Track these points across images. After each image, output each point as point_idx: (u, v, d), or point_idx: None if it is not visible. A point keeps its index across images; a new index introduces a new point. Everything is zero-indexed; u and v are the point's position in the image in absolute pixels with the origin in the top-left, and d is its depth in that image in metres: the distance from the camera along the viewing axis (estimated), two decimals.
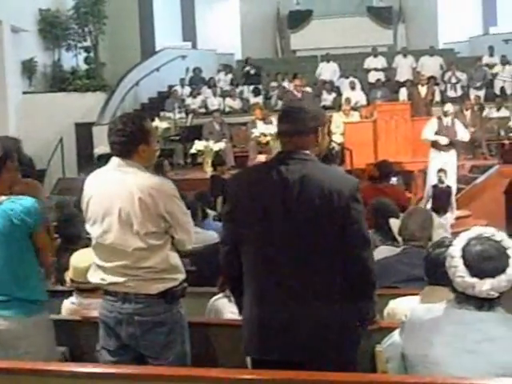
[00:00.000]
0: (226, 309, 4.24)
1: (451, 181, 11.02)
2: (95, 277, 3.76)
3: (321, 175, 3.16)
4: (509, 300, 2.77)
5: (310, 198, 3.11)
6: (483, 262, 2.59)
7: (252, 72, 18.35)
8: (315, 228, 3.13)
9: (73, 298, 4.44)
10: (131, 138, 3.63)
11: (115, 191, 3.61)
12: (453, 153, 11.11)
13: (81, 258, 4.38)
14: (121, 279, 3.61)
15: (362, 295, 3.24)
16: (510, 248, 2.63)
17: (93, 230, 3.72)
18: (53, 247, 4.62)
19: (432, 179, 11.02)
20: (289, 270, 3.15)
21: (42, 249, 3.99)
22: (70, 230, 5.88)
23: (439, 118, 11.59)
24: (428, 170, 11.11)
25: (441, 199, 10.43)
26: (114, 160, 3.69)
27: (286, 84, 17.59)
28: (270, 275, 3.19)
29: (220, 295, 4.37)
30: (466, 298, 2.66)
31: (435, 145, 11.21)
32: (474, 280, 2.59)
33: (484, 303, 2.64)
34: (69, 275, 4.54)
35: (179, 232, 3.66)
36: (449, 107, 11.66)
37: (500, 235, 2.66)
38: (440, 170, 10.82)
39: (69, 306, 4.44)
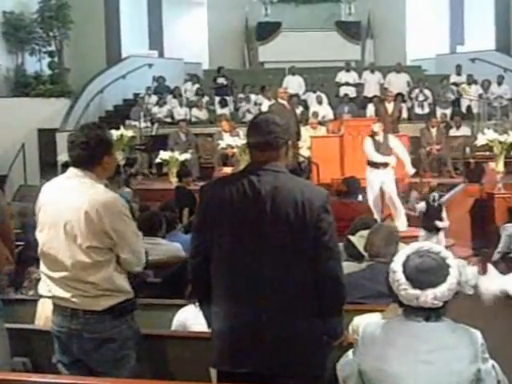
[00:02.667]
0: (195, 320, 4.16)
1: (392, 197, 10.92)
2: (44, 288, 3.71)
3: (292, 187, 3.19)
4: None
5: (281, 210, 3.13)
6: (423, 274, 2.71)
7: (225, 83, 18.20)
8: (287, 239, 3.13)
9: None
10: (96, 151, 3.62)
11: (65, 202, 3.58)
12: (389, 170, 11.10)
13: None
14: (66, 294, 3.57)
15: (332, 309, 3.26)
16: (449, 257, 2.76)
17: (40, 236, 3.69)
18: (13, 255, 4.58)
19: (372, 196, 10.89)
20: (260, 282, 3.14)
21: None
22: (30, 238, 5.79)
23: (371, 137, 11.55)
24: (367, 186, 10.97)
25: (433, 217, 10.31)
26: (72, 170, 3.66)
27: (253, 96, 17.47)
28: (241, 287, 3.17)
29: (188, 307, 4.30)
30: (412, 310, 2.76)
31: (371, 163, 11.24)
32: (417, 291, 2.70)
33: (431, 313, 2.74)
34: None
35: (125, 251, 3.60)
36: (375, 127, 11.59)
37: (438, 247, 2.81)
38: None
39: None
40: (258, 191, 3.16)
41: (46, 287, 3.70)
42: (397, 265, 2.78)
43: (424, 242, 2.86)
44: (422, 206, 10.41)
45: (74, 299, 3.56)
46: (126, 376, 3.56)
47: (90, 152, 3.59)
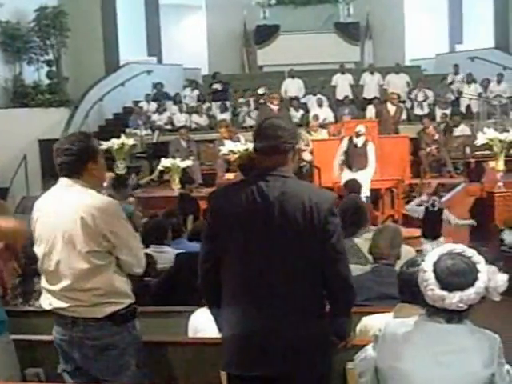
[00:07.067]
0: (208, 324, 4.11)
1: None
2: (45, 302, 3.74)
3: (300, 192, 3.21)
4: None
5: (290, 215, 3.15)
6: (453, 276, 2.72)
7: (219, 88, 18.11)
8: (296, 243, 3.15)
9: None
10: (79, 157, 3.66)
11: (60, 211, 3.61)
12: (364, 172, 11.21)
13: None
14: (65, 304, 3.60)
15: (341, 310, 3.31)
16: (480, 263, 2.77)
17: (38, 251, 3.71)
18: (20, 266, 4.67)
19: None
20: (270, 286, 3.16)
21: None
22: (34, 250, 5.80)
23: (350, 139, 11.69)
24: None
25: (432, 224, 10.09)
26: (62, 180, 3.69)
27: (252, 100, 17.46)
28: (251, 291, 3.19)
29: (202, 309, 4.28)
30: (436, 311, 2.77)
31: (347, 164, 11.34)
32: (444, 293, 2.71)
33: (453, 315, 2.75)
34: None
35: (124, 253, 3.64)
36: (360, 128, 11.67)
37: (470, 251, 2.80)
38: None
39: None
40: (267, 197, 3.18)
41: (46, 301, 3.73)
42: (428, 264, 2.80)
43: (457, 245, 2.86)
44: (420, 210, 10.17)
45: (73, 309, 3.60)
46: (127, 382, 3.61)
47: (74, 158, 3.64)
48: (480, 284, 2.73)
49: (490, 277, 2.76)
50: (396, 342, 2.81)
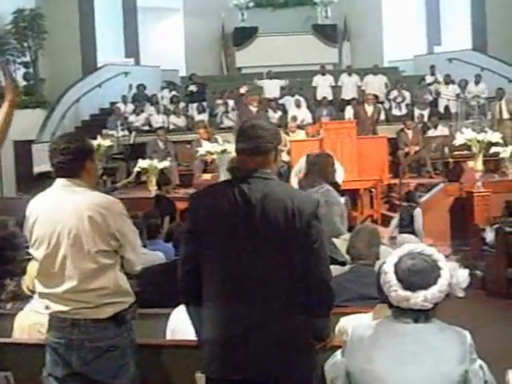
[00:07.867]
0: (187, 325, 4.03)
1: None
2: (40, 306, 3.69)
3: (282, 194, 3.17)
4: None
5: (272, 217, 3.12)
6: (414, 275, 2.74)
7: (195, 90, 18.05)
8: (278, 247, 3.13)
9: (34, 306, 4.28)
10: (78, 156, 3.62)
11: (63, 211, 3.55)
12: None
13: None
14: (67, 307, 3.53)
15: (321, 313, 3.28)
16: (441, 260, 2.79)
17: (38, 253, 3.62)
18: None
19: None
20: (252, 289, 3.13)
21: None
22: (7, 252, 5.75)
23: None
24: None
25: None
26: (59, 181, 3.64)
27: (231, 102, 17.39)
28: (232, 294, 3.16)
29: (179, 308, 4.19)
30: (402, 312, 2.79)
31: None
32: (407, 293, 2.73)
33: (420, 315, 2.77)
34: (26, 284, 4.55)
35: (129, 251, 3.64)
36: None
37: (430, 250, 2.83)
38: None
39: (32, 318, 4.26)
40: (248, 199, 3.14)
41: (41, 304, 3.66)
42: (389, 266, 2.81)
43: (416, 244, 2.89)
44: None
45: (76, 311, 3.54)
46: None
47: (72, 157, 3.59)
48: (443, 281, 2.75)
49: (451, 273, 2.78)
50: (364, 346, 2.80)
